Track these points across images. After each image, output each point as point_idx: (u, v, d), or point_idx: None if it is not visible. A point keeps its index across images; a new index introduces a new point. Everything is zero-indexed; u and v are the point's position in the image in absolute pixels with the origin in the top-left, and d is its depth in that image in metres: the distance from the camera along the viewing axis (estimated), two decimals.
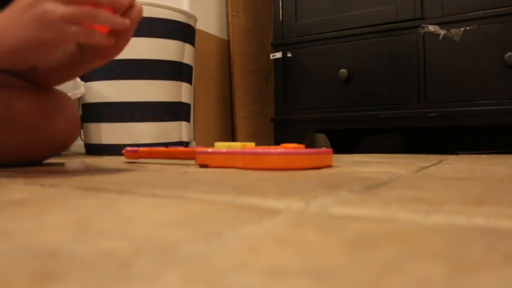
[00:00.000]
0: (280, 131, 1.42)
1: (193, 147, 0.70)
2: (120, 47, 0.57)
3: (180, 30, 1.28)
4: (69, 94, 1.01)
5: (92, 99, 1.25)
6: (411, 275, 0.14)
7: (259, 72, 1.84)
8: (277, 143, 1.40)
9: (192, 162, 0.69)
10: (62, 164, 0.74)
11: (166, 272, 0.14)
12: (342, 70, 1.30)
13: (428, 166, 0.63)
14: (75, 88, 1.17)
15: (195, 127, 1.59)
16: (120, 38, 0.55)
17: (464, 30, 1.14)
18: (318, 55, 1.36)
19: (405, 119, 1.21)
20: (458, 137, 1.37)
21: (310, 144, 1.90)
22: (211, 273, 0.14)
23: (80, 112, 1.28)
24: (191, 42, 1.35)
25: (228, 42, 1.77)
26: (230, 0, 1.74)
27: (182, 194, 0.34)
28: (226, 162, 0.62)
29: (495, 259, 0.16)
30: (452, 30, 1.15)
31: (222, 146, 0.65)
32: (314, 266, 0.15)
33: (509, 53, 1.08)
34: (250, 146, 0.66)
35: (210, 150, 0.64)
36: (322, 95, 1.35)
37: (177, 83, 1.29)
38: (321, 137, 1.92)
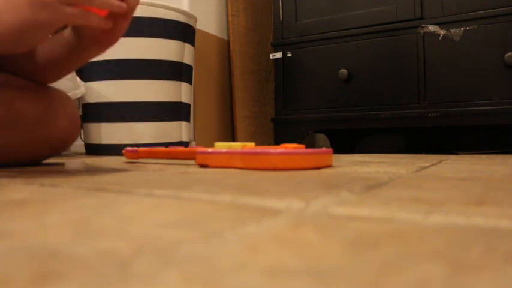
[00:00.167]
0: (280, 131, 1.42)
1: (193, 147, 0.70)
2: (117, 34, 0.57)
3: (180, 30, 1.28)
4: (69, 94, 1.01)
5: (92, 99, 1.25)
6: (411, 275, 0.14)
7: (259, 72, 1.84)
8: (277, 143, 1.40)
9: (192, 162, 0.69)
10: (62, 164, 0.74)
11: (166, 272, 0.14)
12: (342, 70, 1.30)
13: (428, 166, 0.63)
14: (75, 88, 1.17)
15: (195, 127, 1.59)
16: (117, 24, 0.55)
17: (464, 30, 1.14)
18: (318, 55, 1.36)
19: (405, 119, 1.21)
20: (458, 137, 1.37)
21: (310, 144, 1.90)
22: (211, 273, 0.14)
23: (80, 112, 1.28)
24: (191, 42, 1.35)
25: (228, 42, 1.77)
26: (230, 0, 1.74)
27: (182, 194, 0.34)
28: (226, 162, 0.62)
29: (495, 259, 0.16)
30: (452, 30, 1.15)
31: (222, 146, 0.65)
32: (314, 266, 0.15)
33: (509, 53, 1.08)
34: (250, 146, 0.66)
35: (210, 150, 0.64)
36: (322, 95, 1.35)
37: (177, 83, 1.29)
38: (321, 137, 1.92)
